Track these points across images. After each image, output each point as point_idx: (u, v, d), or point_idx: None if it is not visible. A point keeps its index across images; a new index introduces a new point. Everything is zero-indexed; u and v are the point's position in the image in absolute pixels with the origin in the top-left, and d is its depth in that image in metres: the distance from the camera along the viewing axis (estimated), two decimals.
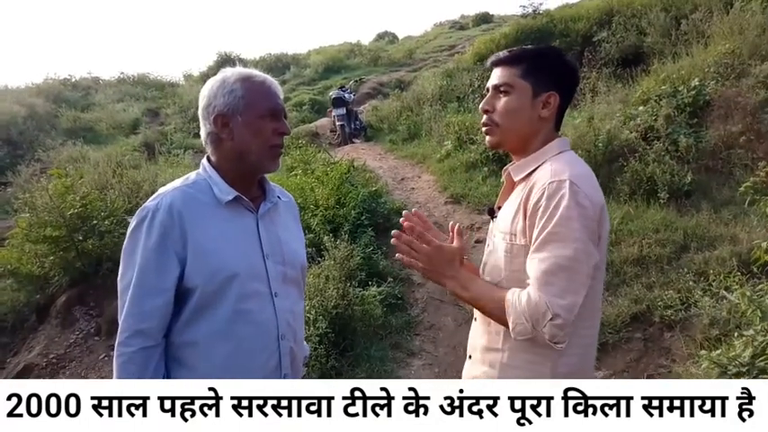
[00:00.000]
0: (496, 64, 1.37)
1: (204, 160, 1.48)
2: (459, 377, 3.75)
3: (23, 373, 4.35)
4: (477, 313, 1.41)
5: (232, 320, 1.36)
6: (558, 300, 1.15)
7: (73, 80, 15.51)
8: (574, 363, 1.28)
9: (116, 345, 1.33)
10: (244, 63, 16.37)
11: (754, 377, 2.37)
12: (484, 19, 18.15)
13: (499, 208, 1.42)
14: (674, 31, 6.66)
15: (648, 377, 2.97)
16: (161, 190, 1.42)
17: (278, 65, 16.62)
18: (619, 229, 4.00)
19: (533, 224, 1.22)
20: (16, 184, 7.83)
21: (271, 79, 1.46)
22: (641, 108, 5.11)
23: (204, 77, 14.40)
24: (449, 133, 7.23)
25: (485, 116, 1.38)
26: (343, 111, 9.64)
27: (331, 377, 3.29)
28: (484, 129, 1.39)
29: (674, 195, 4.27)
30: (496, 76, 1.35)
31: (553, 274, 1.16)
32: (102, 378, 4.02)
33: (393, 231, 1.35)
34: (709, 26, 6.08)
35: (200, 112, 1.45)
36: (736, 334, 2.66)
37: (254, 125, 1.39)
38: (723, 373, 2.46)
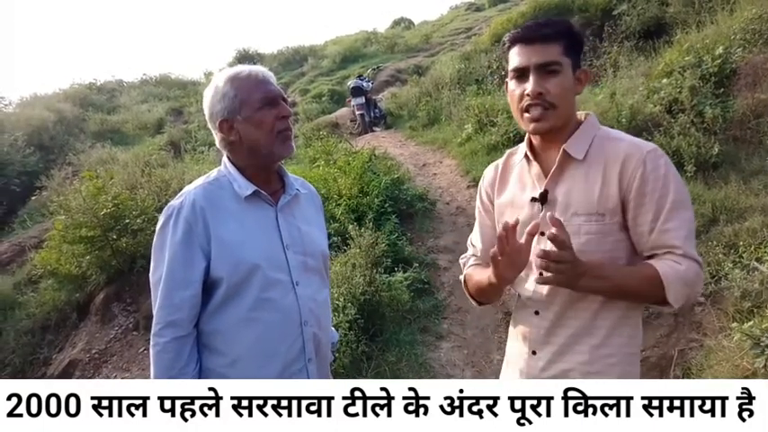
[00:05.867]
0: (533, 40, 1.26)
1: (225, 158, 1.54)
2: (489, 358, 3.70)
3: (68, 368, 4.56)
4: (543, 305, 1.33)
5: (256, 308, 1.42)
6: (699, 259, 1.22)
7: (98, 84, 15.88)
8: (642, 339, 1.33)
9: (151, 336, 1.41)
10: (262, 58, 16.45)
11: None
12: None
13: (547, 192, 1.32)
14: None
15: (680, 352, 2.96)
16: (185, 189, 1.49)
17: (296, 57, 16.69)
18: None
19: (642, 196, 1.21)
20: (50, 188, 8.07)
21: (257, 69, 1.48)
22: (665, 81, 4.99)
23: None
24: (468, 117, 7.18)
25: (534, 99, 1.25)
26: (362, 100, 9.64)
27: (362, 362, 3.36)
28: (534, 113, 1.26)
29: (701, 168, 4.18)
30: (538, 52, 1.24)
31: (691, 239, 1.22)
32: (144, 371, 4.18)
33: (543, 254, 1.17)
34: None
35: (208, 124, 1.52)
36: None
37: (254, 119, 1.43)
38: (756, 345, 2.44)
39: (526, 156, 1.38)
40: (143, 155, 8.74)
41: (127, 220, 5.03)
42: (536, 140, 1.36)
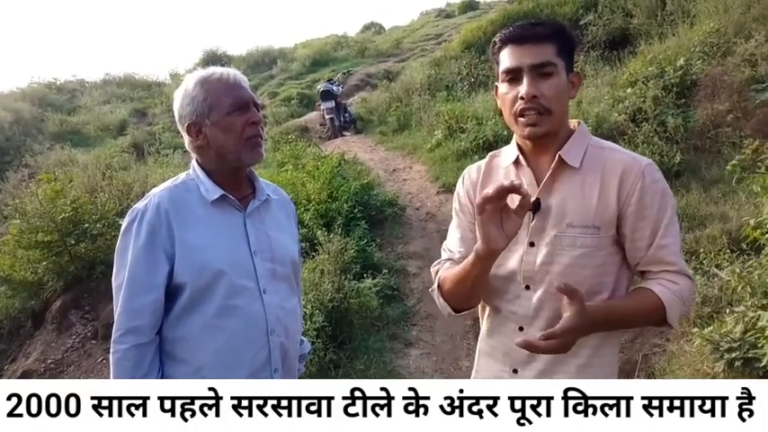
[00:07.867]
0: (526, 40, 1.19)
1: (194, 161, 1.50)
2: (457, 365, 3.71)
3: (22, 379, 4.35)
4: (529, 321, 1.25)
5: (221, 315, 1.39)
6: (691, 273, 1.24)
7: (58, 83, 15.35)
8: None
9: (111, 342, 1.36)
10: (230, 59, 16.22)
11: (745, 352, 2.41)
12: (470, 6, 18.09)
13: (539, 200, 1.23)
14: (660, 12, 6.67)
15: (644, 357, 3.01)
16: (151, 191, 1.45)
17: (265, 60, 16.52)
18: None
19: (642, 209, 1.18)
20: (5, 191, 7.77)
21: (229, 72, 1.46)
22: (629, 90, 5.14)
23: None
24: (438, 123, 7.23)
25: (528, 102, 1.18)
26: (331, 104, 9.60)
27: (329, 370, 3.31)
28: (530, 118, 1.19)
29: (664, 176, 4.26)
30: (531, 53, 1.17)
31: (680, 254, 1.23)
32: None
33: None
34: (695, 5, 6.09)
35: (178, 126, 1.48)
36: (727, 311, 2.69)
37: (223, 124, 1.40)
38: (715, 350, 2.50)
39: (517, 161, 1.29)
40: (104, 157, 8.48)
41: (86, 225, 4.84)
42: (526, 146, 1.28)
